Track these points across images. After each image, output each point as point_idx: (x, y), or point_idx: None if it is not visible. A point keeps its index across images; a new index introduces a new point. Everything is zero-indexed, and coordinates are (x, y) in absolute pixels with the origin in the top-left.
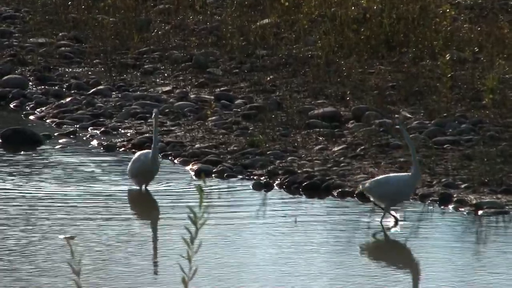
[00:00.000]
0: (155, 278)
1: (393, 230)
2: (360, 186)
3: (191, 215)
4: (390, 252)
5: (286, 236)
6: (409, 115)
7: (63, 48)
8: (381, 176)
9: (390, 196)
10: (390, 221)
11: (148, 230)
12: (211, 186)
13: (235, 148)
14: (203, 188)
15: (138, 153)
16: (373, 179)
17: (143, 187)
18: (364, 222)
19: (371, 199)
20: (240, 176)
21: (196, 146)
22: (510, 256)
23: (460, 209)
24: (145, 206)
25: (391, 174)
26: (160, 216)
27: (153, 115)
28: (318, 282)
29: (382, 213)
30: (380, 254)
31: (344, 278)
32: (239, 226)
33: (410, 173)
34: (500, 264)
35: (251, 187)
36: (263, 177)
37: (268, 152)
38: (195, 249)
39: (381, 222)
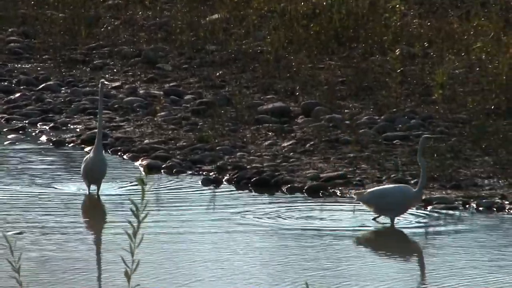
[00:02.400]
0: (99, 272)
1: (337, 223)
2: (355, 196)
3: (133, 208)
4: (337, 245)
5: (234, 231)
6: (430, 136)
7: (12, 44)
8: (381, 187)
9: (392, 208)
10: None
11: (95, 226)
12: (160, 181)
13: (184, 143)
14: (147, 183)
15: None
16: (372, 190)
17: (91, 189)
18: (312, 217)
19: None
20: (189, 172)
21: (145, 141)
22: (460, 250)
23: None
24: (92, 202)
25: (391, 186)
26: (107, 210)
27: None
28: (263, 278)
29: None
30: (328, 248)
31: (292, 273)
32: (187, 221)
33: (415, 189)
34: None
35: (200, 182)
36: (212, 173)
37: (217, 148)
38: (138, 242)
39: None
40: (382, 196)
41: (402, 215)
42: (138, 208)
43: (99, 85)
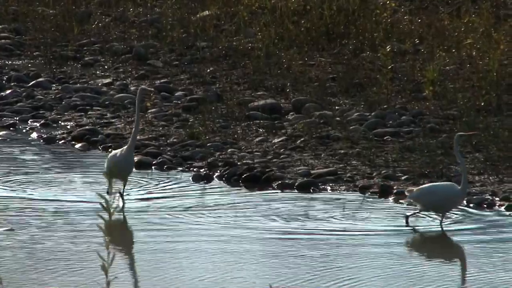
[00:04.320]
0: (78, 267)
1: (332, 221)
2: (407, 193)
3: (103, 202)
4: (329, 241)
5: (225, 227)
6: (464, 134)
7: (3, 41)
8: (430, 185)
9: (439, 205)
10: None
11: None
12: (151, 177)
13: (175, 140)
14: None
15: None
16: (421, 187)
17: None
18: (302, 214)
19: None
20: (180, 168)
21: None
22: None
23: (400, 201)
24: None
25: (440, 183)
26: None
27: (137, 94)
28: (250, 273)
29: (440, 217)
30: (319, 244)
31: (279, 268)
32: (178, 217)
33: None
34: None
35: (191, 179)
36: (203, 169)
37: (208, 144)
38: (110, 237)
39: (440, 224)
40: (431, 193)
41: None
42: (108, 203)
43: (138, 91)
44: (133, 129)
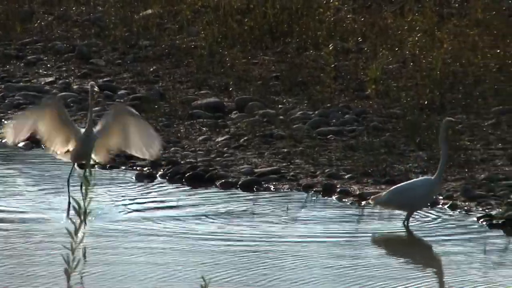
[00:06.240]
0: (43, 271)
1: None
2: (371, 202)
3: (76, 206)
4: (271, 240)
5: (168, 226)
6: (453, 119)
7: None
8: (398, 185)
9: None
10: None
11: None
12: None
13: None
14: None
15: None
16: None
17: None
18: (246, 212)
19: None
20: (123, 167)
21: None
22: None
23: (343, 199)
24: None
25: (409, 181)
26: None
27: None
28: (195, 272)
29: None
30: (262, 242)
31: (222, 267)
32: (120, 216)
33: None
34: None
35: (134, 177)
36: (146, 168)
37: None
38: (79, 240)
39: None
40: (402, 192)
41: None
42: (80, 207)
43: (89, 88)
44: (87, 122)
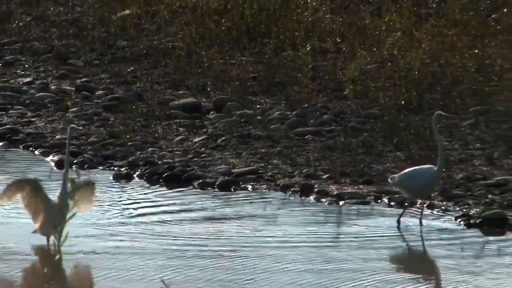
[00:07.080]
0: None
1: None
2: (390, 180)
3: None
4: (247, 242)
5: (146, 226)
6: (443, 113)
7: None
8: (407, 170)
9: (418, 188)
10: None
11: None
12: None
13: (95, 139)
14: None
15: None
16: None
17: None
18: (222, 212)
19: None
20: (101, 167)
21: (57, 137)
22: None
23: (321, 199)
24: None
25: (417, 167)
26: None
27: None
28: (159, 274)
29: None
30: (239, 243)
31: (189, 269)
32: (97, 216)
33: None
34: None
35: (111, 178)
36: (124, 168)
37: (128, 143)
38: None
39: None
40: (411, 178)
41: None
42: (65, 209)
43: (68, 130)
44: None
